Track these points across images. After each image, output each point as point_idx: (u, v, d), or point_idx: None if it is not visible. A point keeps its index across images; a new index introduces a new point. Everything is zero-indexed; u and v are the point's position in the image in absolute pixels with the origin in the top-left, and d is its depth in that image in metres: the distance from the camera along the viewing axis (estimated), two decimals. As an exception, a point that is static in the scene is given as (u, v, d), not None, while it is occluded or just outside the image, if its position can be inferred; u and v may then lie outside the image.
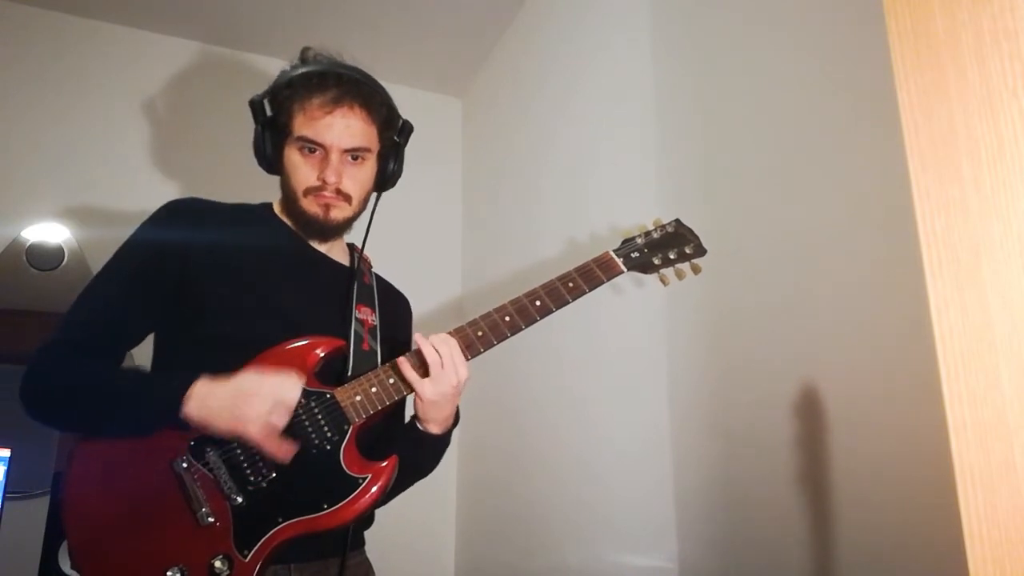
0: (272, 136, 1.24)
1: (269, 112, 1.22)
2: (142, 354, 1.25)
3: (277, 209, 1.31)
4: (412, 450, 1.22)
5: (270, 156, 1.25)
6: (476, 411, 2.64)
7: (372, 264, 1.41)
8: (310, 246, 1.29)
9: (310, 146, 1.20)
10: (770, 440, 1.34)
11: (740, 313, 1.47)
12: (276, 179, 1.29)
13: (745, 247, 1.48)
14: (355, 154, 1.23)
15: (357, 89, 1.22)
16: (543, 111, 2.38)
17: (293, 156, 1.22)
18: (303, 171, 1.21)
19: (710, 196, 1.60)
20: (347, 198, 1.24)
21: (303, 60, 1.26)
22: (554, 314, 1.20)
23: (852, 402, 1.19)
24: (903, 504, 1.07)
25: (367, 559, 1.29)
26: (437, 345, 1.14)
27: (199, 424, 1.05)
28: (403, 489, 1.25)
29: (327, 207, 1.23)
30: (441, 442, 1.24)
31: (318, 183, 1.21)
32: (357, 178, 1.24)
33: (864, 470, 1.15)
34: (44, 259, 2.34)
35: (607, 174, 1.97)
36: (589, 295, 1.22)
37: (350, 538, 1.21)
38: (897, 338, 1.10)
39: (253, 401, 1.04)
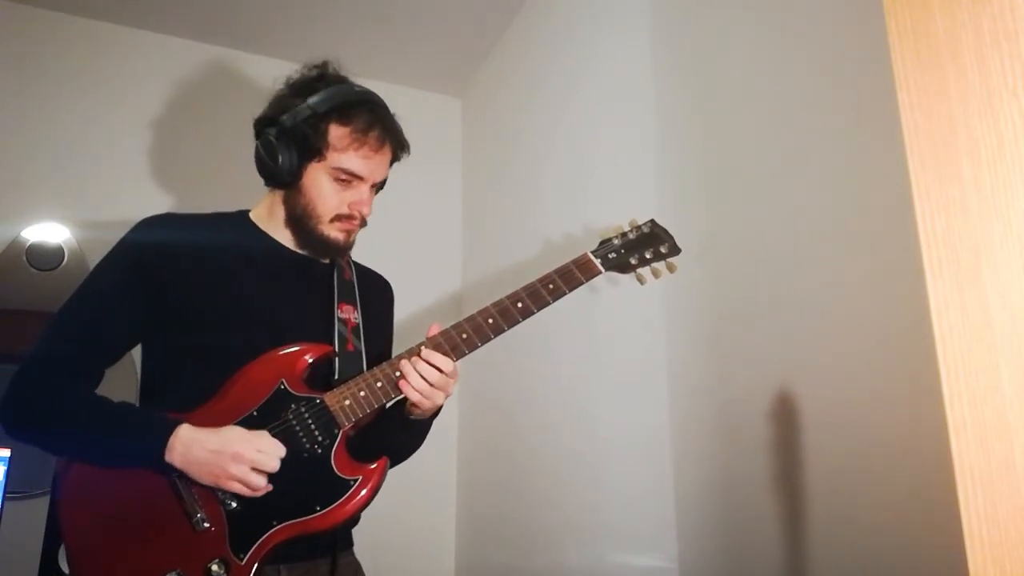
0: (298, 155, 1.23)
1: (301, 132, 1.21)
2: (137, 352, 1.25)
3: (254, 216, 1.32)
4: (402, 436, 1.28)
5: (293, 173, 1.24)
6: (477, 412, 2.64)
7: (351, 256, 1.42)
8: (288, 249, 1.29)
9: (347, 176, 1.23)
10: (770, 440, 1.34)
11: (740, 313, 1.47)
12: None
13: (745, 247, 1.48)
14: (378, 184, 1.30)
15: (393, 129, 1.28)
16: (543, 111, 2.38)
17: (323, 182, 1.23)
18: (334, 198, 1.24)
19: (710, 196, 1.60)
20: (364, 223, 1.29)
21: (323, 78, 1.27)
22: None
23: (852, 402, 1.18)
24: (903, 504, 1.07)
25: (356, 559, 1.30)
26: (430, 374, 1.16)
27: (182, 471, 1.07)
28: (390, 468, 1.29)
29: (349, 233, 1.27)
30: (429, 423, 1.30)
31: (350, 212, 1.25)
32: (372, 203, 1.30)
33: (864, 470, 1.15)
34: (44, 259, 2.34)
35: (607, 174, 1.97)
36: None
37: (339, 539, 1.23)
38: (897, 338, 1.10)
39: (232, 463, 1.06)
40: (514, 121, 2.63)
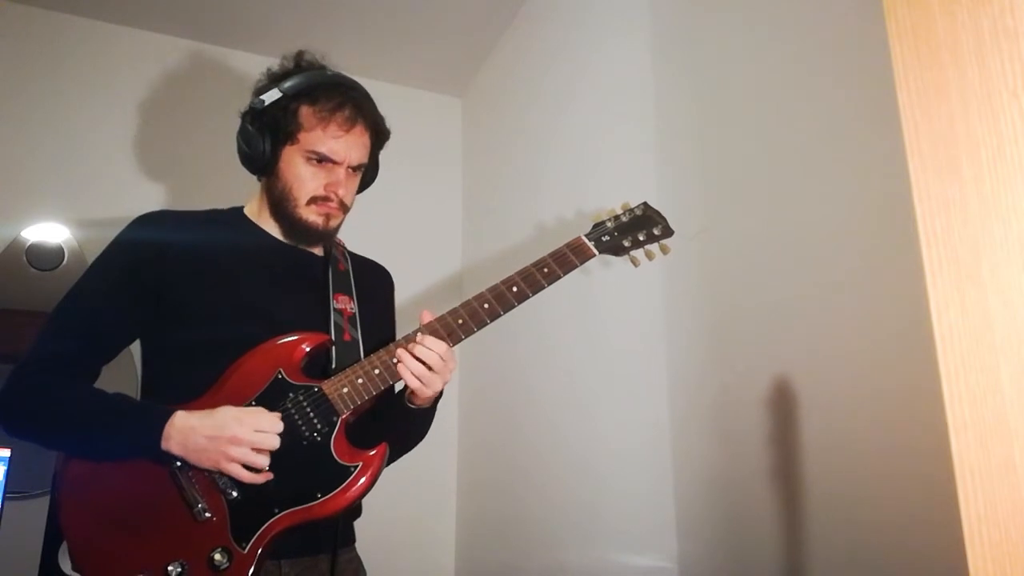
0: (272, 139, 1.24)
1: (273, 116, 1.23)
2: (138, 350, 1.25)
3: (248, 211, 1.33)
4: (404, 425, 1.27)
5: (268, 159, 1.25)
6: (476, 411, 2.64)
7: (346, 247, 1.42)
8: (281, 242, 1.30)
9: (319, 158, 1.23)
10: (770, 440, 1.34)
11: (740, 312, 1.47)
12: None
13: (745, 246, 1.48)
14: (356, 168, 1.28)
15: (367, 110, 1.27)
16: (543, 111, 2.38)
17: (298, 165, 1.24)
18: (311, 181, 1.24)
19: (709, 196, 1.60)
20: (344, 208, 1.28)
21: (299, 66, 1.28)
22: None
23: (852, 402, 1.19)
24: (903, 504, 1.07)
25: (358, 556, 1.30)
26: (427, 356, 1.16)
27: (181, 458, 1.07)
28: (397, 458, 1.28)
29: (328, 217, 1.26)
30: (431, 412, 1.29)
31: (325, 194, 1.24)
32: (352, 188, 1.30)
33: (864, 470, 1.15)
34: (44, 259, 2.34)
35: (606, 173, 1.97)
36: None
37: (341, 534, 1.23)
38: (897, 338, 1.10)
39: (231, 447, 1.06)
40: (514, 121, 2.63)
